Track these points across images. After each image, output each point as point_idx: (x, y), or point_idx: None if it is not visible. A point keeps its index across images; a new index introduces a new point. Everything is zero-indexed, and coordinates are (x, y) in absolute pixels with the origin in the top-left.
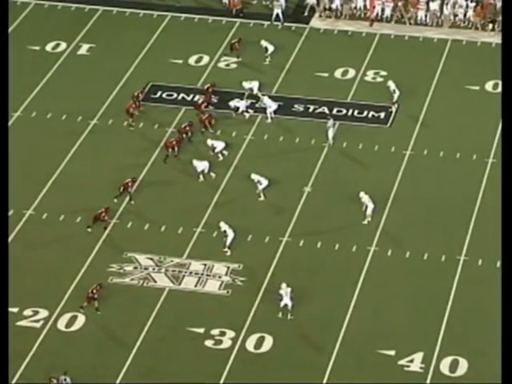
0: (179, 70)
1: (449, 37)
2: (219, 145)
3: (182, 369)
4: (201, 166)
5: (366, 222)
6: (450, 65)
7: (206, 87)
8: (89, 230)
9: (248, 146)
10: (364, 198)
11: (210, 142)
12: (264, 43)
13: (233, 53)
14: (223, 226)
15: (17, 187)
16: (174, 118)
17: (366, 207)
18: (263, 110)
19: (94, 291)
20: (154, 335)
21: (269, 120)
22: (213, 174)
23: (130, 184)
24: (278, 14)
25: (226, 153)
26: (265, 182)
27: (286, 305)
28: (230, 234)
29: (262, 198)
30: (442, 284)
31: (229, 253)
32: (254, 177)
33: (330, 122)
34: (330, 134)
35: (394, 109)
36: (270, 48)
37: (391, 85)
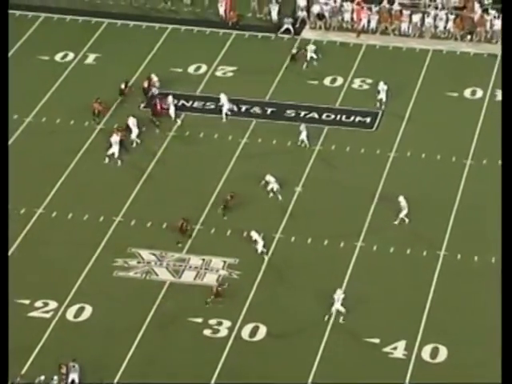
0: (179, 78)
1: (430, 47)
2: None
3: (182, 356)
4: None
5: (396, 223)
6: (431, 73)
7: (146, 84)
8: (179, 245)
9: (243, 148)
10: (402, 202)
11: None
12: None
13: (293, 62)
14: (254, 235)
15: (28, 188)
16: (175, 123)
17: (401, 210)
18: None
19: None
20: (156, 325)
21: (223, 119)
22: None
23: None
24: (288, 29)
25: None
26: (275, 184)
27: (337, 310)
28: (260, 242)
29: (281, 197)
30: (423, 277)
31: (265, 258)
32: (269, 178)
33: (302, 125)
34: (303, 136)
35: (380, 106)
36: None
37: (381, 88)
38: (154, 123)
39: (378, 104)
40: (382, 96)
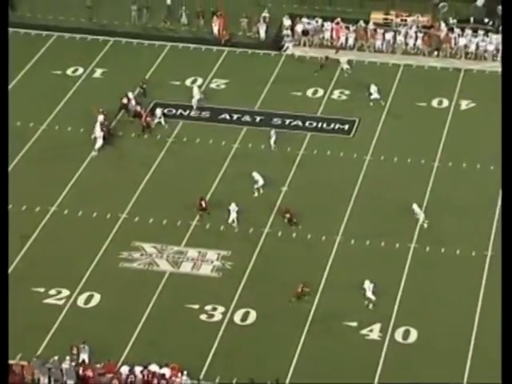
0: (177, 90)
1: (401, 62)
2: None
3: (181, 338)
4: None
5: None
6: (402, 85)
7: (125, 100)
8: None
9: (235, 152)
10: (416, 210)
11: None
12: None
13: (323, 69)
14: (232, 206)
15: (42, 188)
16: (173, 130)
17: (418, 217)
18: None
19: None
20: (158, 310)
21: (194, 107)
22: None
23: None
24: (288, 47)
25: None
26: (261, 181)
27: (369, 298)
28: (233, 214)
29: (256, 194)
30: (396, 267)
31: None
32: (255, 175)
33: (273, 131)
34: (272, 140)
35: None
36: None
37: (373, 89)
38: (144, 129)
39: (373, 103)
40: (376, 96)
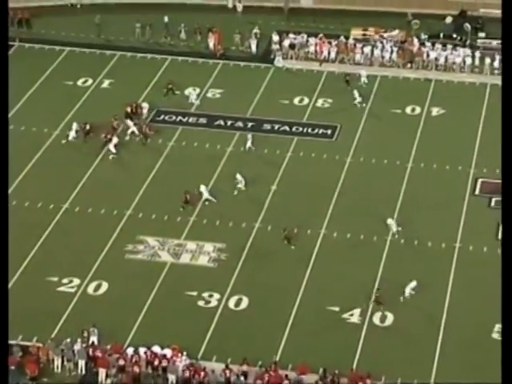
0: (177, 99)
1: (378, 73)
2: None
3: (181, 322)
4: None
5: (394, 237)
6: (379, 94)
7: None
8: (181, 209)
9: (229, 155)
10: (391, 222)
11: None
12: None
13: (347, 84)
14: (202, 188)
15: (56, 187)
16: (174, 135)
17: (391, 228)
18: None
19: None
20: (160, 297)
21: (190, 100)
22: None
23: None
24: (279, 59)
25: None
26: (243, 182)
27: (404, 292)
28: (205, 194)
29: (236, 192)
30: (373, 258)
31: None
32: (238, 176)
33: (249, 135)
34: (249, 143)
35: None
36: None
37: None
38: (145, 137)
39: (359, 105)
40: (359, 100)
